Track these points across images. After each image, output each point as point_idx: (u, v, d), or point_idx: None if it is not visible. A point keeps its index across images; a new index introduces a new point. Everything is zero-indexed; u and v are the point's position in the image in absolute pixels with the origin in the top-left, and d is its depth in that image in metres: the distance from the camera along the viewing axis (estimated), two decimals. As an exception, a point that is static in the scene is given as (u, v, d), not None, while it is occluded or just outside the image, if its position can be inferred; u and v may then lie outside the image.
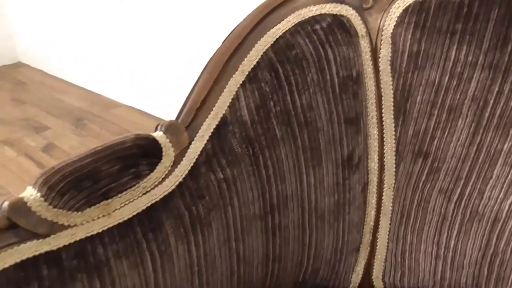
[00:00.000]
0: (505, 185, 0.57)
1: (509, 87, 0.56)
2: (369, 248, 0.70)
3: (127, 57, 2.12)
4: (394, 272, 0.69)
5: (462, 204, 0.60)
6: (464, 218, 0.61)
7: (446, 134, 0.60)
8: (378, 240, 0.70)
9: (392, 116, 0.63)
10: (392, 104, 0.63)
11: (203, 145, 0.56)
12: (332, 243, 0.66)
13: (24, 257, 0.44)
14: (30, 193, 0.46)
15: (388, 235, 0.68)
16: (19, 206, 0.45)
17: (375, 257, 0.70)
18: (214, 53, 0.59)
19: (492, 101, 0.57)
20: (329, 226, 0.65)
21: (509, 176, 0.58)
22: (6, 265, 0.43)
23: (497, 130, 0.57)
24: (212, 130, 0.57)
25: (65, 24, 2.41)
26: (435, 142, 0.61)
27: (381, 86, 0.63)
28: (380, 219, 0.68)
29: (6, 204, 0.45)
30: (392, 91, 0.62)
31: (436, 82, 0.59)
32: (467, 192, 0.59)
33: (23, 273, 0.44)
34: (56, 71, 2.61)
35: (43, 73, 2.73)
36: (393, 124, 0.63)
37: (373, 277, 0.71)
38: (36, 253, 0.45)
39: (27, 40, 2.78)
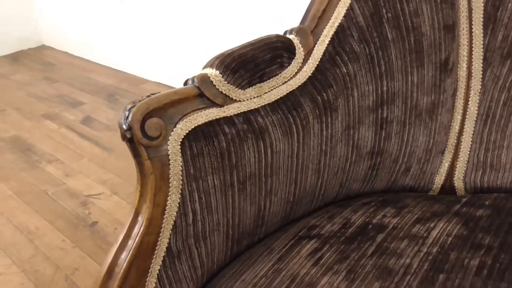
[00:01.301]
0: None
1: None
2: (453, 151, 0.81)
3: (151, 35, 2.22)
4: (475, 171, 0.80)
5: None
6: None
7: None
8: (462, 144, 0.80)
9: (482, 26, 0.74)
10: (482, 15, 0.73)
11: (324, 47, 0.68)
12: (425, 142, 0.77)
13: (210, 119, 0.56)
14: (210, 71, 0.58)
15: (472, 138, 0.79)
16: (205, 79, 0.57)
17: (458, 159, 0.81)
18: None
19: None
20: (424, 124, 0.76)
21: None
22: (199, 122, 0.55)
23: None
24: (331, 36, 0.68)
25: (88, 6, 2.50)
26: (520, 43, 0.71)
27: (472, 3, 0.73)
28: (465, 123, 0.79)
29: (195, 78, 0.56)
30: (483, 4, 0.73)
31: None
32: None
33: (212, 128, 0.56)
34: (81, 52, 2.69)
35: (68, 54, 2.82)
36: (482, 35, 0.74)
37: (454, 178, 0.82)
38: (218, 117, 0.57)
39: (51, 24, 2.86)
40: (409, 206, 0.69)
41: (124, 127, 0.49)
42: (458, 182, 0.82)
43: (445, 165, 0.81)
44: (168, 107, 0.52)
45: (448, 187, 0.83)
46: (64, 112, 2.17)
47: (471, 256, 0.56)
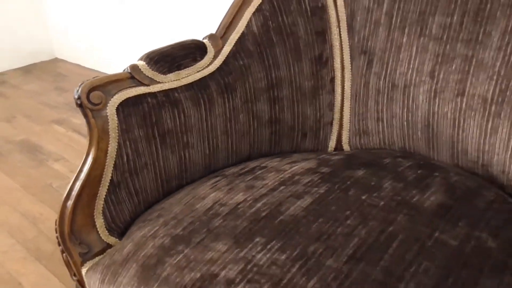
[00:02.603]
0: (412, 60, 0.96)
1: None
2: (338, 123, 1.09)
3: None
4: (355, 136, 1.09)
5: (387, 79, 0.99)
6: (390, 89, 1.00)
7: (373, 36, 0.99)
8: (344, 117, 1.09)
9: (346, 32, 1.03)
10: (346, 24, 1.02)
11: (230, 48, 0.97)
12: (313, 114, 1.06)
13: (138, 93, 0.86)
14: (139, 62, 0.88)
15: (350, 112, 1.08)
16: (135, 67, 0.87)
17: (343, 128, 1.09)
18: (236, -5, 1.00)
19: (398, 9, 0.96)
20: (309, 101, 1.05)
21: (415, 51, 0.96)
22: (130, 95, 0.85)
23: (405, 28, 0.96)
24: (235, 40, 0.98)
25: (99, 21, 2.74)
26: (369, 43, 1.00)
27: (339, 14, 1.03)
28: (344, 102, 1.08)
29: (128, 66, 0.86)
30: (345, 17, 1.02)
31: (365, 7, 0.98)
32: (389, 71, 0.99)
33: (139, 99, 0.85)
34: (92, 64, 2.92)
35: (80, 67, 3.08)
36: (347, 38, 1.03)
37: (343, 143, 1.11)
38: (144, 92, 0.87)
39: (63, 37, 3.11)
40: (292, 157, 0.98)
41: (76, 97, 0.79)
42: (345, 145, 1.11)
43: (335, 133, 1.10)
44: (107, 84, 0.82)
45: (339, 150, 1.11)
46: (72, 117, 2.43)
47: (311, 179, 0.84)
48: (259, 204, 0.78)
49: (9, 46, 3.07)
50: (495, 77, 0.86)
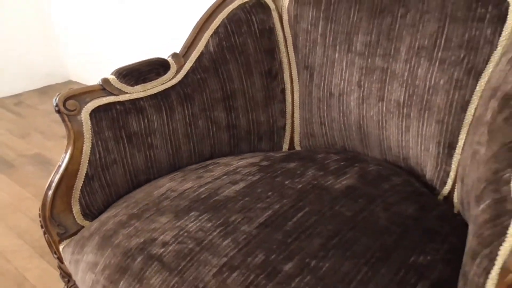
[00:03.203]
0: (343, 73, 1.13)
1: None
2: (290, 128, 1.26)
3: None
4: (305, 138, 1.25)
5: (325, 89, 1.16)
6: (328, 98, 1.17)
7: (312, 54, 1.17)
8: (294, 123, 1.26)
9: (293, 50, 1.21)
10: (292, 44, 1.20)
11: (191, 64, 1.16)
12: (267, 120, 1.23)
13: (109, 101, 1.05)
14: (109, 76, 1.07)
15: (299, 117, 1.25)
16: (106, 80, 1.06)
17: (294, 132, 1.26)
18: (198, 21, 1.19)
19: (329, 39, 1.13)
20: (262, 109, 1.22)
21: (345, 65, 1.13)
22: (101, 103, 1.04)
23: (336, 46, 1.13)
24: (196, 58, 1.17)
25: (112, 43, 2.94)
26: (309, 59, 1.18)
27: (285, 35, 1.21)
28: (294, 109, 1.25)
29: (100, 79, 1.06)
30: (291, 37, 1.20)
31: (305, 29, 1.16)
32: (326, 82, 1.16)
33: (109, 106, 1.04)
34: None
35: None
36: (294, 55, 1.21)
37: (295, 144, 1.27)
38: (114, 101, 1.05)
39: (77, 60, 3.34)
40: (244, 155, 1.15)
41: (54, 104, 0.98)
42: (297, 146, 1.27)
43: (287, 136, 1.27)
44: (82, 94, 1.01)
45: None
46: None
47: (249, 170, 1.01)
48: (202, 189, 0.95)
49: (25, 69, 3.34)
50: (404, 85, 1.02)
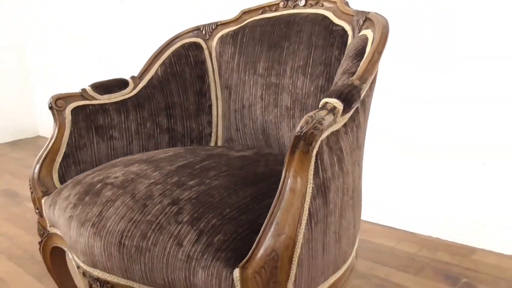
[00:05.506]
0: (251, 90, 1.61)
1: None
2: (215, 134, 1.72)
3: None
4: (226, 143, 1.72)
5: (240, 103, 1.64)
6: (241, 109, 1.64)
7: (230, 77, 1.65)
8: (218, 131, 1.72)
9: (218, 76, 1.70)
10: (218, 73, 1.70)
11: (144, 84, 1.63)
12: (197, 128, 1.69)
13: (84, 103, 1.50)
14: (87, 87, 1.53)
15: (222, 127, 1.71)
16: (84, 90, 1.51)
17: (218, 138, 1.73)
18: (151, 55, 1.67)
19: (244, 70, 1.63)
20: (194, 119, 1.68)
21: (252, 84, 1.62)
22: (80, 104, 1.49)
23: (246, 71, 1.62)
24: (148, 79, 1.64)
25: None
26: (228, 81, 1.66)
27: (213, 65, 1.70)
28: (218, 120, 1.72)
29: (80, 89, 1.51)
30: (217, 67, 1.70)
31: (226, 60, 1.66)
32: (240, 97, 1.63)
33: (85, 106, 1.49)
34: None
35: None
36: (218, 79, 1.70)
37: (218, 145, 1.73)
38: (89, 103, 1.50)
39: (46, 117, 3.76)
40: (174, 149, 1.59)
41: (49, 103, 1.42)
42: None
43: (213, 140, 1.73)
44: (67, 97, 1.46)
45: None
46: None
47: (169, 164, 1.45)
48: (144, 156, 1.39)
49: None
50: (290, 94, 1.51)
